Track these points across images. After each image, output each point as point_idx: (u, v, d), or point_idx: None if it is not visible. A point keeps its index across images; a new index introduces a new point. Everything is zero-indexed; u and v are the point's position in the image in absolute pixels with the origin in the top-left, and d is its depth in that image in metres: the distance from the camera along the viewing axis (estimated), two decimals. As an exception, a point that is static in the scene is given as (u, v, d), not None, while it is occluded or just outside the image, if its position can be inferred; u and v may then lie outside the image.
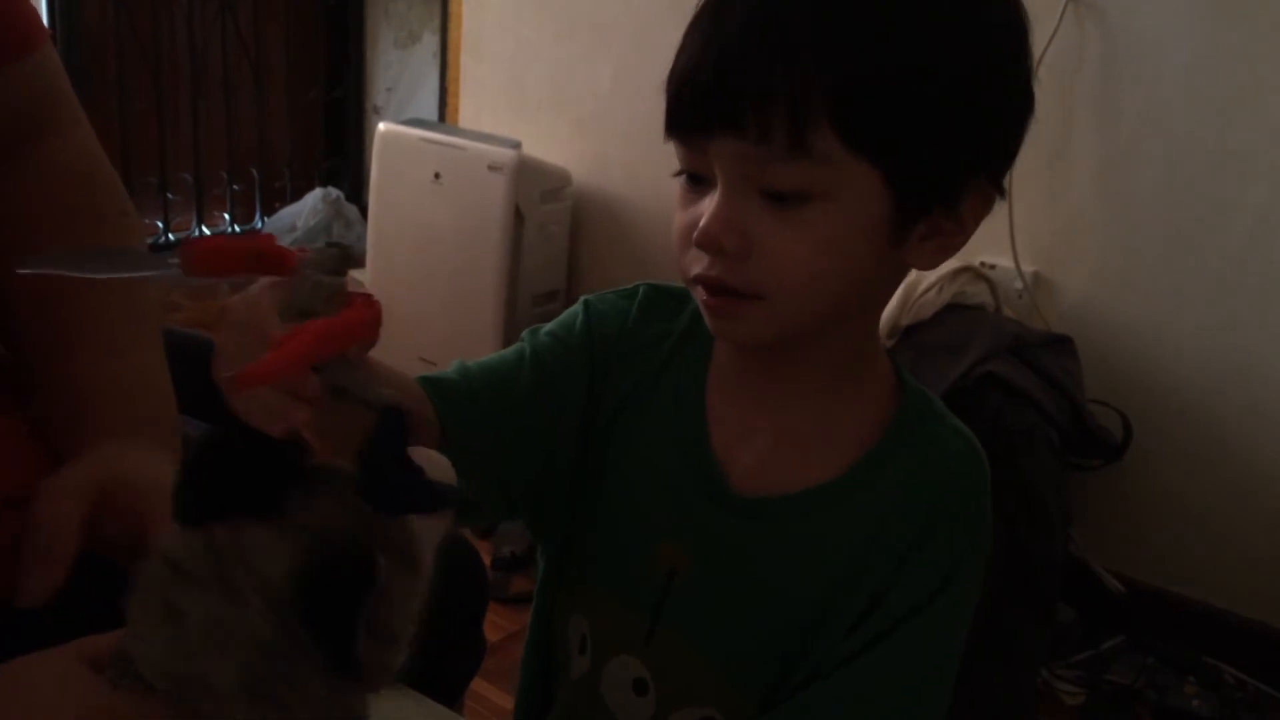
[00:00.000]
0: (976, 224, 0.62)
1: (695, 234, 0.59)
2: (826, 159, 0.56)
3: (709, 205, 0.59)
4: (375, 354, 0.55)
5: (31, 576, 0.58)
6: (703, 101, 0.58)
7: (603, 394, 0.72)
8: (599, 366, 0.72)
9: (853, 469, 0.66)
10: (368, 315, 0.50)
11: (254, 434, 0.46)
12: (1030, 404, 1.55)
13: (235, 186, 3.39)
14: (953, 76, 0.57)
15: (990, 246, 1.88)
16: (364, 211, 3.02)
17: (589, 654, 0.72)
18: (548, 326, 0.75)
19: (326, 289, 0.51)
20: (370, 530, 0.47)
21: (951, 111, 0.58)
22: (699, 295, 0.62)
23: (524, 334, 0.76)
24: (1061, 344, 1.73)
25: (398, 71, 3.38)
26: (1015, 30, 0.61)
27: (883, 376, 0.69)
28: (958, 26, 0.58)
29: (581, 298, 0.75)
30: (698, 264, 0.61)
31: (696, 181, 0.61)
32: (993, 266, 1.86)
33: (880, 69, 0.56)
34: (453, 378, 0.70)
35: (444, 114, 2.94)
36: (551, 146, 2.43)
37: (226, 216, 3.42)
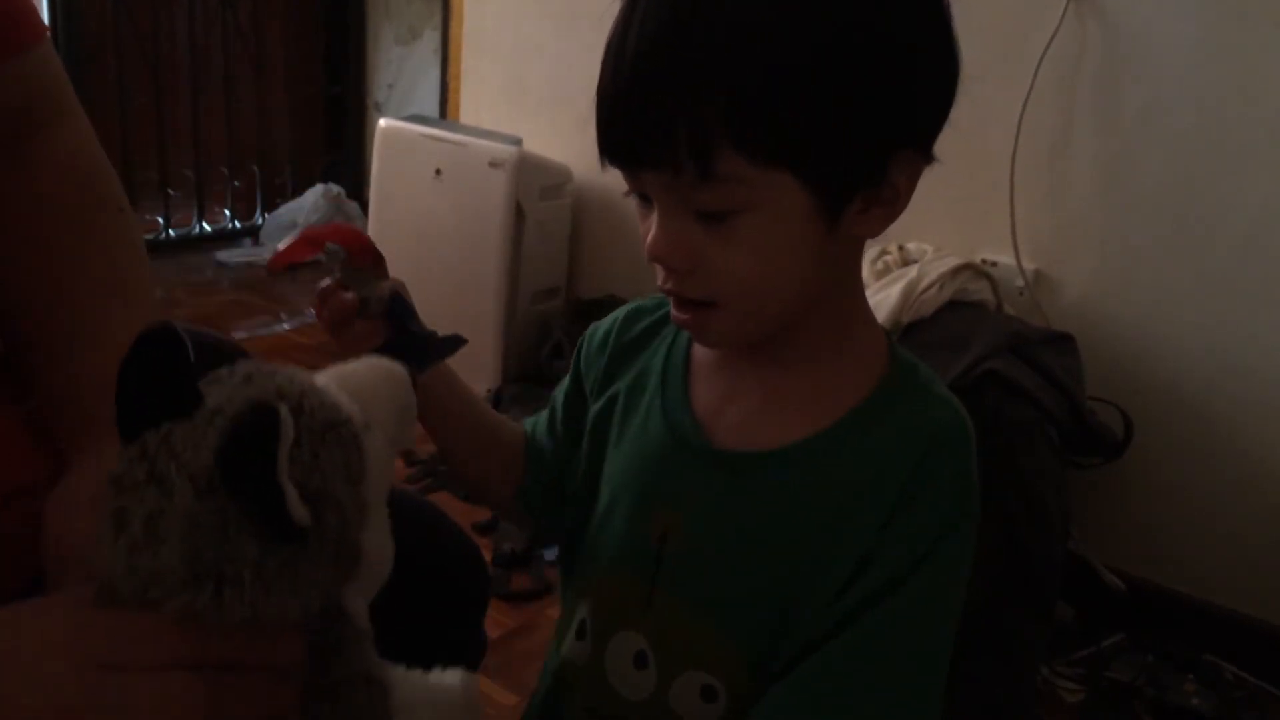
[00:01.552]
0: (913, 186, 0.64)
1: (645, 253, 0.64)
2: (738, 179, 0.59)
3: (653, 225, 0.63)
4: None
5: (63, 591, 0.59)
6: (618, 141, 0.62)
7: (601, 399, 0.77)
8: (595, 383, 0.79)
9: (836, 425, 0.67)
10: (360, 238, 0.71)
11: (168, 346, 0.49)
12: (1030, 402, 1.55)
13: (236, 183, 3.39)
14: (842, 71, 0.59)
15: (991, 244, 1.88)
16: (365, 208, 3.02)
17: (589, 638, 0.74)
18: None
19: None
20: (271, 393, 0.50)
21: (847, 104, 0.59)
22: (673, 314, 0.67)
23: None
24: (1062, 341, 1.73)
25: (399, 67, 3.37)
26: (930, 5, 0.62)
27: (872, 345, 0.70)
28: (841, 22, 0.59)
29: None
30: (660, 278, 0.65)
31: (644, 199, 0.65)
32: (994, 264, 1.86)
33: (767, 86, 0.58)
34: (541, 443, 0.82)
35: (445, 110, 2.94)
36: (552, 143, 2.43)
37: (227, 212, 3.42)
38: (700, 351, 0.74)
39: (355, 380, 0.57)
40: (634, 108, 0.60)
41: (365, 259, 0.73)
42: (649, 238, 0.64)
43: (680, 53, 0.59)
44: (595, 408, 0.78)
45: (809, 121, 0.59)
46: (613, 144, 0.62)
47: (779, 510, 0.67)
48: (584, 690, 0.75)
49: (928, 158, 0.64)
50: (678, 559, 0.70)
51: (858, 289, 0.71)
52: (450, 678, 0.62)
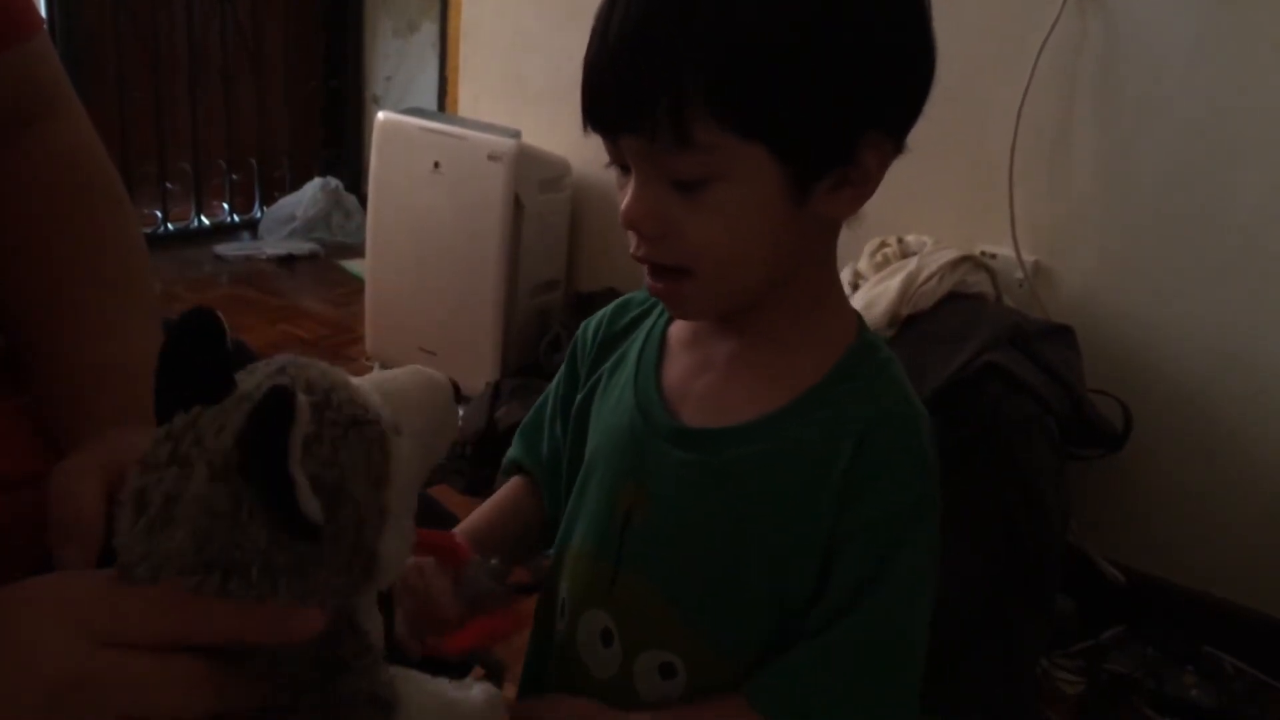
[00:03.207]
0: (882, 170, 0.65)
1: (619, 218, 0.66)
2: (713, 147, 0.61)
3: (629, 192, 0.65)
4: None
5: (66, 553, 0.58)
6: (600, 107, 0.64)
7: (586, 386, 0.79)
8: (585, 374, 0.80)
9: (793, 403, 0.68)
10: (516, 623, 0.70)
11: (206, 332, 0.50)
12: (1030, 394, 1.55)
13: (234, 176, 3.39)
14: (819, 49, 0.60)
15: (991, 236, 1.88)
16: (363, 201, 3.02)
17: (566, 615, 0.75)
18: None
19: (489, 591, 0.69)
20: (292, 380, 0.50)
21: (822, 82, 0.61)
22: (647, 282, 0.69)
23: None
24: (1062, 334, 1.73)
25: (397, 61, 3.37)
26: None
27: (839, 326, 0.71)
28: (821, 2, 0.60)
29: None
30: (632, 245, 0.67)
31: (623, 169, 0.66)
32: (993, 256, 1.86)
33: (745, 57, 0.59)
34: (538, 453, 0.83)
35: (443, 103, 2.94)
36: (551, 136, 2.43)
37: (225, 206, 3.42)
38: (675, 331, 0.75)
39: (393, 385, 0.57)
40: (617, 73, 0.62)
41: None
42: (624, 204, 0.65)
43: (664, 21, 0.60)
44: (581, 395, 0.80)
45: (785, 94, 0.60)
46: (595, 108, 0.64)
47: (736, 486, 0.68)
48: (559, 668, 0.76)
49: (897, 143, 0.65)
50: (640, 536, 0.71)
51: (828, 270, 0.71)
52: (475, 692, 0.61)
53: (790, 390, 0.68)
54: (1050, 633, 1.67)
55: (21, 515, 0.65)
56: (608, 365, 0.78)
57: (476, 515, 0.81)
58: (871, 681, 0.66)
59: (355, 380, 0.55)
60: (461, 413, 0.85)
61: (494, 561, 0.72)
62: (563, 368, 0.83)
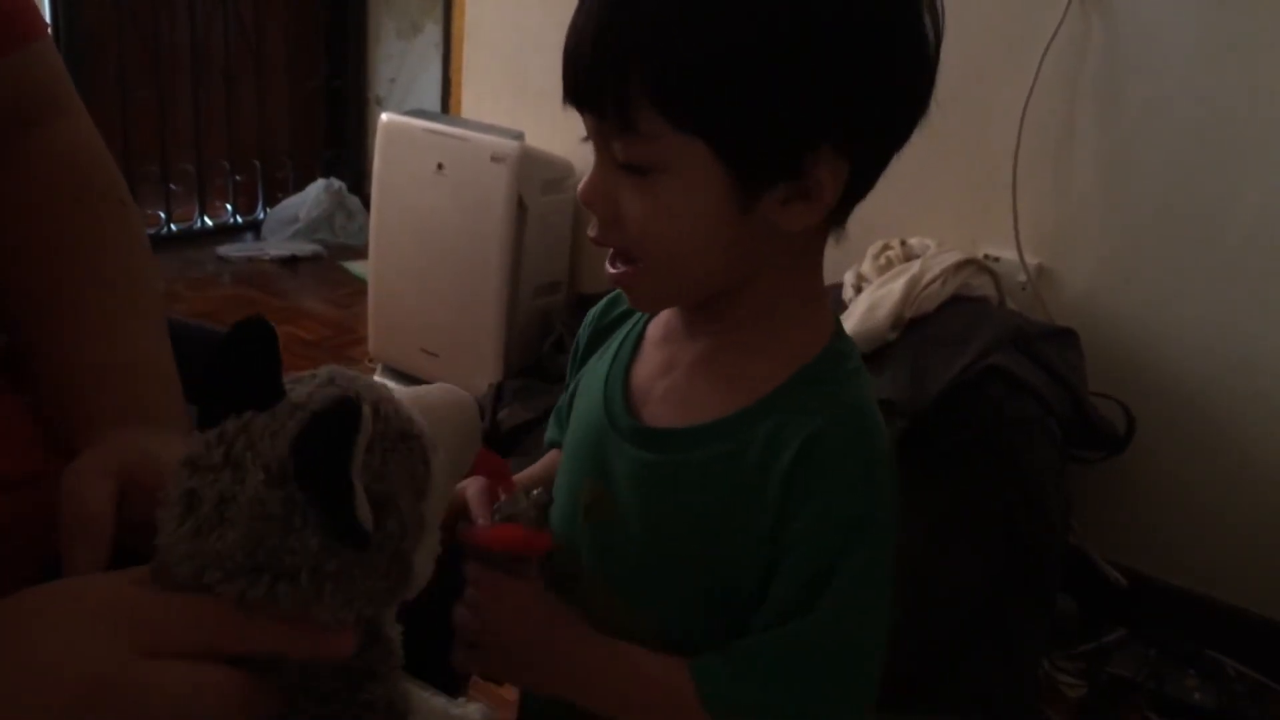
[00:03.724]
0: (837, 187, 0.63)
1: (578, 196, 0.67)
2: (654, 135, 0.61)
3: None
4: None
5: (76, 553, 0.58)
6: (567, 77, 0.64)
7: (574, 380, 0.80)
8: (579, 362, 0.81)
9: (750, 407, 0.68)
10: (540, 544, 0.71)
11: (259, 340, 0.51)
12: (1033, 396, 1.55)
13: (237, 177, 3.39)
14: (770, 56, 0.59)
15: (994, 239, 1.88)
16: (366, 202, 3.02)
17: None
18: None
19: (524, 511, 0.72)
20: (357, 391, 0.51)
21: (768, 88, 0.60)
22: (606, 269, 0.69)
23: None
24: (1064, 336, 1.73)
25: (400, 62, 3.37)
26: (869, 5, 0.61)
27: (810, 334, 0.70)
28: (780, 6, 0.59)
29: None
30: (590, 227, 0.68)
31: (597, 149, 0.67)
32: (996, 259, 1.86)
33: (692, 52, 0.59)
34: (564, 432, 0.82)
35: (446, 104, 2.94)
36: (554, 137, 2.43)
37: (229, 207, 3.42)
38: (651, 329, 0.76)
39: (427, 401, 0.58)
40: (579, 47, 0.63)
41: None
42: (581, 181, 0.67)
43: (626, 6, 0.61)
44: (572, 386, 0.81)
45: (726, 95, 0.60)
46: (564, 78, 0.64)
47: (688, 487, 0.68)
48: None
49: (854, 161, 0.63)
50: (599, 530, 0.72)
51: (798, 277, 0.70)
52: (473, 710, 0.62)
53: (750, 394, 0.68)
54: (1051, 634, 1.67)
55: (22, 515, 0.65)
56: (594, 357, 0.79)
57: (524, 474, 0.82)
58: (808, 686, 0.65)
59: (394, 393, 0.56)
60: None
61: (536, 491, 0.74)
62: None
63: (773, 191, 0.63)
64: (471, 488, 0.74)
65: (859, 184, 0.66)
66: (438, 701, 0.61)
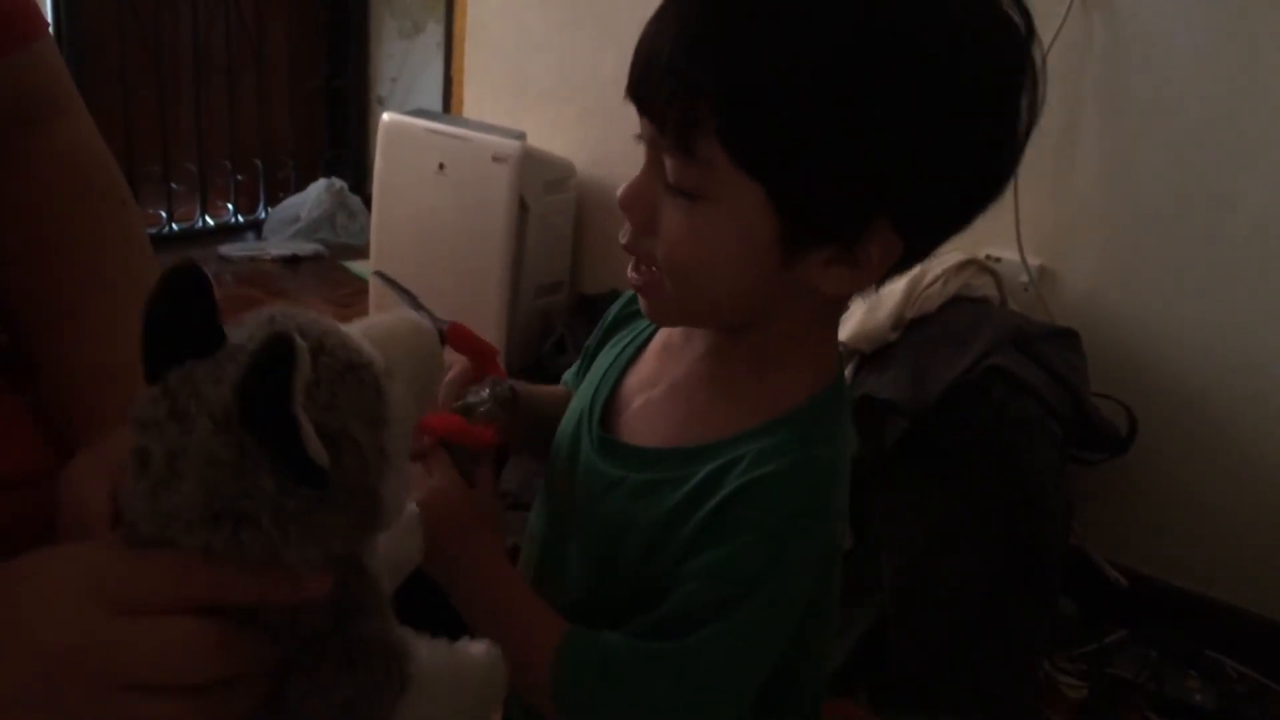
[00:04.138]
0: (883, 267, 0.62)
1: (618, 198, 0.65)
2: (710, 164, 0.58)
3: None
4: None
5: None
6: (636, 79, 0.62)
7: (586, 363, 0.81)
8: (596, 343, 0.82)
9: (703, 447, 0.67)
10: (486, 439, 0.71)
11: (192, 285, 0.49)
12: (1034, 397, 1.55)
13: (239, 177, 3.39)
14: (849, 120, 0.56)
15: (995, 239, 1.88)
16: (367, 202, 3.02)
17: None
18: None
19: (482, 402, 0.73)
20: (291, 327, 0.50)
21: (842, 152, 0.57)
22: (629, 273, 0.67)
23: None
24: (1066, 337, 1.73)
25: (402, 61, 3.37)
26: (965, 83, 0.58)
27: (797, 387, 0.67)
28: (870, 69, 0.56)
29: None
30: (623, 232, 0.66)
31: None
32: (998, 259, 1.85)
33: (773, 95, 0.57)
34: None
35: (448, 104, 2.94)
36: (556, 137, 2.43)
37: (230, 206, 3.42)
38: (657, 337, 0.75)
39: (379, 330, 0.56)
40: (658, 52, 0.59)
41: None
42: (626, 183, 0.64)
43: (712, 26, 0.58)
44: (581, 366, 0.81)
45: (795, 146, 0.57)
46: (631, 74, 0.62)
47: (632, 505, 0.68)
48: None
49: (909, 242, 0.61)
50: (560, 537, 0.73)
51: (811, 334, 0.68)
52: (475, 649, 0.61)
53: (715, 433, 0.67)
54: (1051, 634, 1.67)
55: (23, 515, 0.65)
56: (610, 344, 0.79)
57: (535, 388, 0.82)
58: (653, 710, 0.64)
59: (344, 327, 0.54)
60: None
61: (508, 383, 0.74)
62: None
63: (820, 251, 0.61)
64: (451, 372, 0.73)
65: (910, 259, 0.64)
66: (438, 641, 0.60)
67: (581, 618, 0.69)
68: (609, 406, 0.73)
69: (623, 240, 0.66)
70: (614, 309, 0.82)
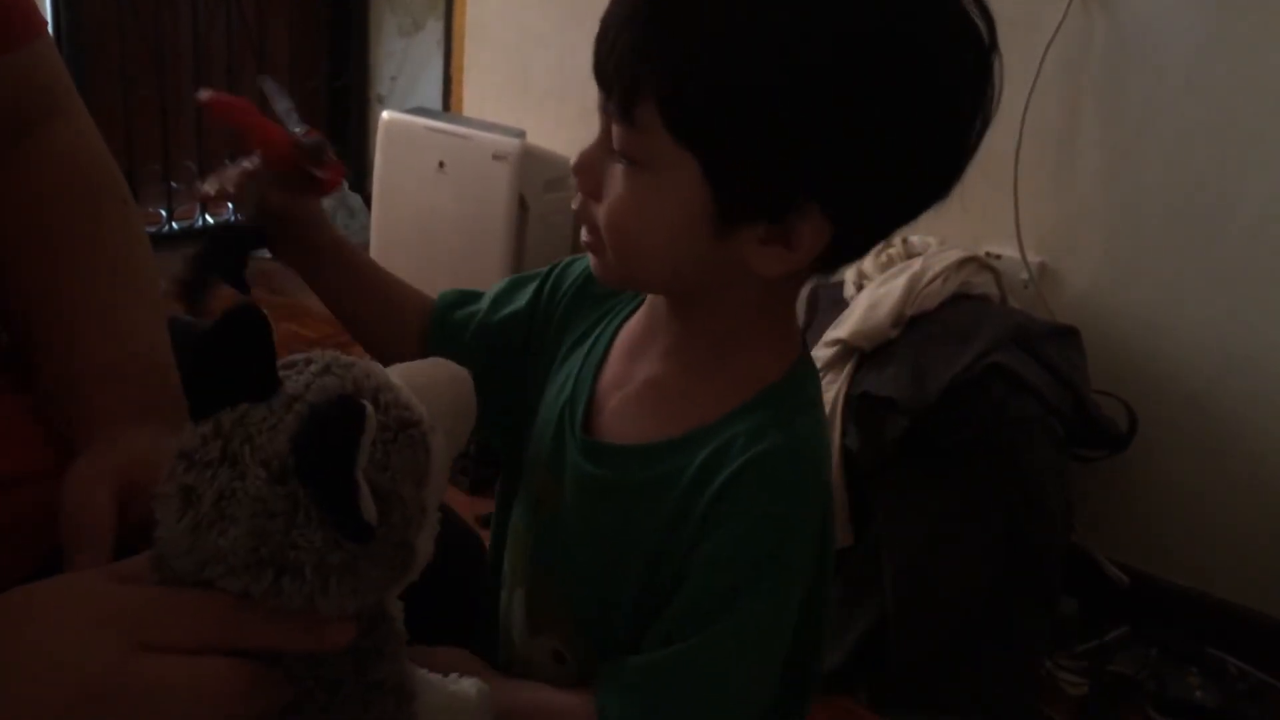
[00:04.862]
0: (814, 249, 0.62)
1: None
2: (649, 132, 0.60)
3: None
4: None
5: (80, 561, 0.59)
6: (595, 49, 0.63)
7: (544, 343, 0.79)
8: (540, 319, 0.80)
9: (690, 434, 0.67)
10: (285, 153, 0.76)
11: (253, 328, 0.49)
12: (1034, 395, 1.55)
13: (239, 175, 3.39)
14: (779, 102, 0.57)
15: (996, 237, 1.87)
16: (368, 200, 3.02)
17: (506, 586, 0.78)
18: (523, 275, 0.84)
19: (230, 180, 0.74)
20: (359, 391, 0.51)
21: (770, 133, 0.58)
22: (582, 238, 0.69)
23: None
24: (1066, 335, 1.72)
25: (401, 60, 3.37)
26: (907, 85, 0.59)
27: (767, 365, 0.69)
28: (807, 57, 0.57)
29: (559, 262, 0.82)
30: (575, 199, 0.68)
31: None
32: (998, 257, 1.85)
33: (709, 69, 0.58)
34: (463, 311, 0.84)
35: (448, 102, 2.94)
36: (556, 135, 2.43)
37: (230, 205, 3.42)
38: (620, 337, 0.75)
39: (422, 379, 0.57)
40: (611, 21, 0.62)
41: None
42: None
43: (661, 2, 0.60)
44: (546, 346, 0.79)
45: (727, 122, 0.59)
46: (594, 51, 0.64)
47: (624, 504, 0.68)
48: (503, 634, 0.78)
49: (840, 228, 0.61)
50: (546, 534, 0.73)
51: (766, 316, 0.69)
52: (467, 686, 0.62)
53: (695, 419, 0.67)
54: (1052, 632, 1.67)
55: (23, 514, 0.66)
56: (572, 337, 0.78)
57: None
58: (671, 715, 0.65)
59: (392, 376, 0.55)
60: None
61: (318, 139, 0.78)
62: (531, 284, 0.82)
63: (752, 228, 0.62)
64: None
65: (847, 248, 0.65)
66: (434, 677, 0.61)
67: (587, 626, 0.69)
68: (587, 410, 0.73)
69: (574, 207, 0.68)
70: (576, 278, 0.80)
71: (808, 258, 0.62)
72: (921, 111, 0.60)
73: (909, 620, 1.57)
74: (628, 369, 0.73)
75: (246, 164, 0.76)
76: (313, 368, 0.51)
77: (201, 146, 3.29)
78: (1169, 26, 1.71)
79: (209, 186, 0.74)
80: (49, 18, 2.57)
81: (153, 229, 3.15)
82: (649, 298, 0.73)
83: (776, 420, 0.65)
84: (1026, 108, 1.79)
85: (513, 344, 0.80)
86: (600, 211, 0.65)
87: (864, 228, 0.64)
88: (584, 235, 0.68)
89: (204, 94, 0.78)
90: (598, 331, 0.77)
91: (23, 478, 0.68)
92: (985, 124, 0.63)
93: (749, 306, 0.67)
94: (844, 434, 1.57)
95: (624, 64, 0.60)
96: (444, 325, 0.83)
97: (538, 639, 0.74)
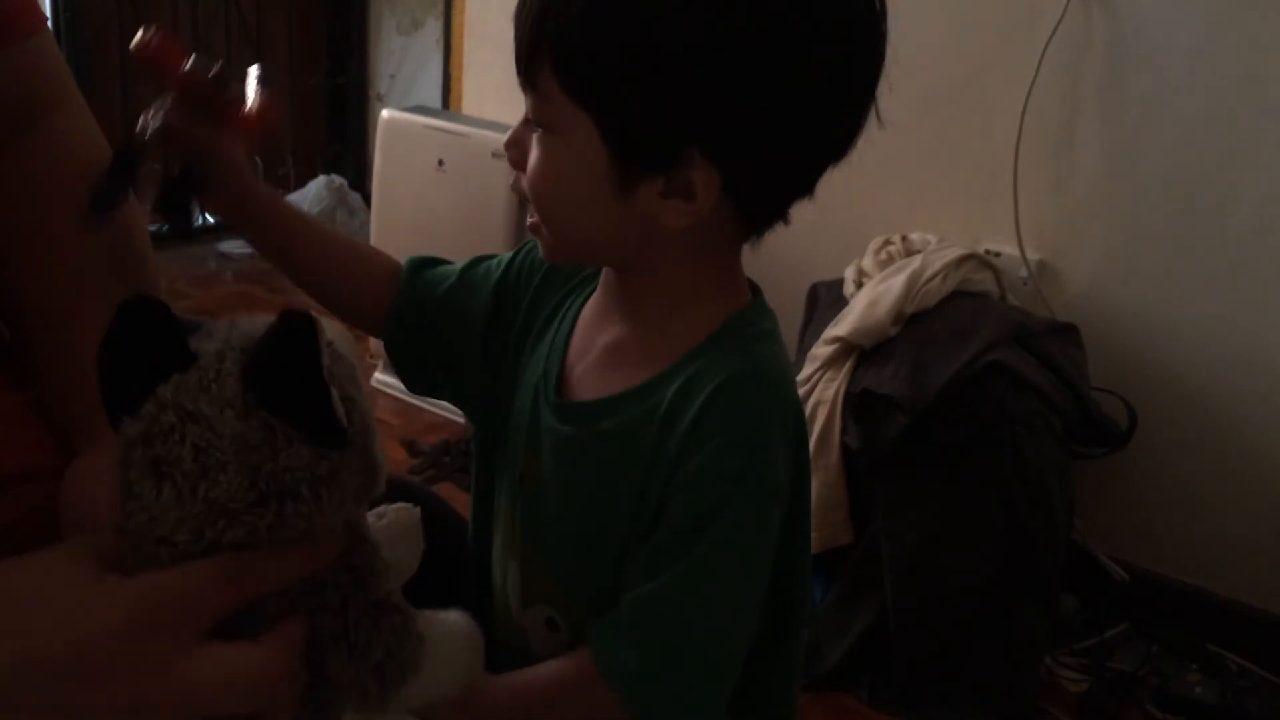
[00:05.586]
0: (709, 197, 0.64)
1: None
2: (549, 97, 0.64)
3: None
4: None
5: None
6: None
7: (514, 323, 0.81)
8: (509, 295, 0.81)
9: (649, 380, 0.70)
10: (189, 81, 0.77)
11: (141, 309, 0.50)
12: (1034, 392, 1.55)
13: (239, 173, 3.39)
14: (655, 53, 0.60)
15: (995, 234, 1.88)
16: (367, 199, 3.02)
17: (499, 562, 0.80)
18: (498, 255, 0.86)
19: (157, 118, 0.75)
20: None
21: (647, 82, 0.61)
22: (527, 220, 0.71)
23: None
24: (1066, 332, 1.73)
25: (400, 58, 3.37)
26: (779, 13, 0.61)
27: (721, 311, 0.71)
28: (681, 5, 0.60)
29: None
30: (512, 177, 0.70)
31: None
32: (998, 254, 1.85)
33: (590, 29, 0.61)
34: (431, 275, 0.84)
35: (447, 100, 2.93)
36: (555, 133, 2.43)
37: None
38: (586, 307, 0.77)
39: (381, 526, 0.61)
40: (519, 8, 0.66)
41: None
42: None
43: None
44: (516, 326, 0.81)
45: (611, 77, 0.62)
46: None
47: (603, 455, 0.71)
48: (499, 610, 0.80)
49: (725, 173, 0.64)
50: (532, 506, 0.75)
51: (705, 271, 0.71)
52: (454, 614, 0.64)
53: (661, 364, 0.70)
54: (1053, 629, 1.67)
55: (24, 512, 0.66)
56: (544, 314, 0.80)
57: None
58: (671, 647, 0.66)
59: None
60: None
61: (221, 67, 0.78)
62: (500, 261, 0.84)
63: (651, 183, 0.64)
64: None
65: (751, 201, 0.67)
66: (423, 610, 0.62)
67: (579, 591, 0.72)
68: (558, 384, 0.75)
69: (510, 184, 0.71)
70: (537, 261, 0.82)
71: (706, 206, 0.65)
72: (797, 59, 0.62)
73: (909, 617, 1.57)
74: (591, 340, 0.75)
75: (163, 101, 0.77)
76: (221, 328, 0.52)
77: (201, 145, 3.29)
78: (1168, 23, 1.71)
79: (138, 128, 0.74)
80: (48, 15, 2.57)
81: (152, 227, 3.15)
82: (604, 272, 0.75)
83: (737, 348, 0.69)
84: (1026, 104, 1.79)
85: (479, 314, 0.82)
86: (525, 181, 0.68)
87: (753, 175, 0.66)
88: (529, 218, 0.71)
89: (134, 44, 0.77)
90: (564, 310, 0.79)
91: (23, 476, 0.68)
92: (874, 84, 0.65)
93: (685, 264, 0.70)
94: (844, 432, 1.58)
95: (526, 30, 0.64)
96: (414, 282, 0.84)
97: (530, 609, 0.76)
